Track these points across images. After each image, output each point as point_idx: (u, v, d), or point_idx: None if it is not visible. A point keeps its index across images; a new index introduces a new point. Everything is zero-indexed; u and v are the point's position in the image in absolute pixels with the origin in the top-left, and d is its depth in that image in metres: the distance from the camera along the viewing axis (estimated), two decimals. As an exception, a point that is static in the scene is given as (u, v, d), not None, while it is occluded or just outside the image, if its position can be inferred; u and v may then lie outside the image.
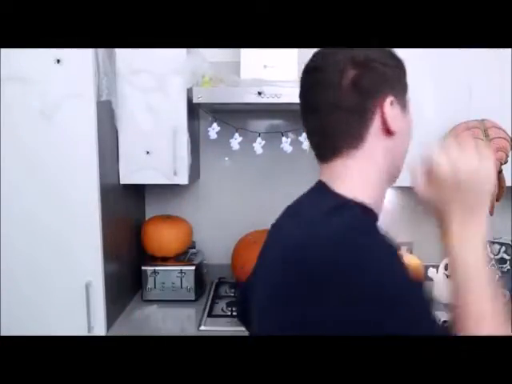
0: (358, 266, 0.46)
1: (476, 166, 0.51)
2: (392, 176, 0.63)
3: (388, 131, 0.56)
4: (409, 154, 1.25)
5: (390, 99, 0.56)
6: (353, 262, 0.47)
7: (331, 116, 0.56)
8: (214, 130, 1.42)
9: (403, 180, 1.54)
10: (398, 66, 0.62)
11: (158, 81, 1.31)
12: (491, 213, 1.43)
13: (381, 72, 0.57)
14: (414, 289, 0.53)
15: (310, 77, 0.59)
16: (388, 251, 0.53)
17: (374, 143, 0.56)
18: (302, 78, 0.61)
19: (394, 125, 0.56)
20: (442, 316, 1.39)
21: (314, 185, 0.63)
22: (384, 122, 0.55)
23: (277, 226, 0.64)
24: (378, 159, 0.57)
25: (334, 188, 0.56)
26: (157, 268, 1.49)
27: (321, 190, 0.59)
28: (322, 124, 0.58)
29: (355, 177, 0.57)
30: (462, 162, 0.51)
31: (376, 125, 0.56)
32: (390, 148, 0.58)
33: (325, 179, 0.60)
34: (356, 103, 0.55)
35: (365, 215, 0.54)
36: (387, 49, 0.63)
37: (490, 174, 0.52)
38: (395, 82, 0.60)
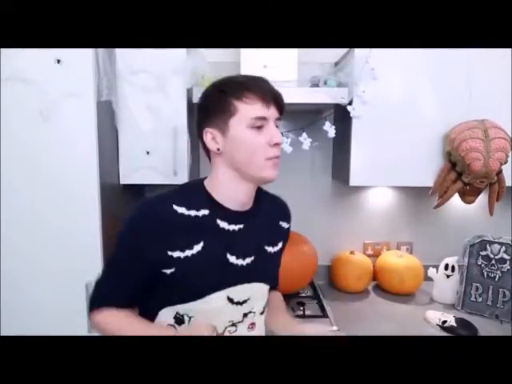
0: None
1: None
2: (247, 175, 0.80)
3: (213, 151, 0.81)
4: (409, 153, 1.25)
5: (206, 130, 0.80)
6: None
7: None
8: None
9: (403, 180, 1.54)
10: (219, 99, 0.78)
11: (158, 81, 1.31)
12: (491, 213, 1.43)
13: (203, 109, 0.82)
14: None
15: None
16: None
17: (213, 157, 0.83)
18: None
19: (211, 146, 0.80)
20: (441, 316, 1.39)
21: None
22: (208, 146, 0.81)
23: None
24: (219, 167, 0.82)
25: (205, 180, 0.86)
26: (157, 268, 1.49)
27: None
28: None
29: (210, 175, 0.85)
30: None
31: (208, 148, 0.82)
32: (225, 160, 0.80)
33: None
34: (197, 134, 0.85)
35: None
36: (220, 83, 0.81)
37: None
38: (211, 115, 0.80)
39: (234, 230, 0.83)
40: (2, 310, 1.21)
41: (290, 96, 1.31)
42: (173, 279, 0.77)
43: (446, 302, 1.49)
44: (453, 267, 1.51)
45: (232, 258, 0.82)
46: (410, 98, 1.37)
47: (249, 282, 0.84)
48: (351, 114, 1.36)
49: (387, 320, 1.37)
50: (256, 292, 0.87)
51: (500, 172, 1.33)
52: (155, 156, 1.36)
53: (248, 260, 0.84)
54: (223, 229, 0.82)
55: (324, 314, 1.38)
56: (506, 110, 1.36)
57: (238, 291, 0.83)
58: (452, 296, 1.48)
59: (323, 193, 1.75)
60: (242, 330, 0.84)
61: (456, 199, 1.44)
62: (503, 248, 1.40)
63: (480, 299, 1.42)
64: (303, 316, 1.36)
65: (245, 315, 0.85)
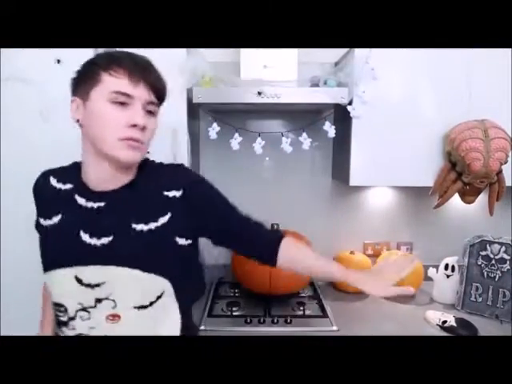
0: None
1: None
2: (101, 153, 0.78)
3: (76, 120, 0.80)
4: (409, 153, 1.25)
5: (72, 98, 0.79)
6: None
7: None
8: (213, 130, 1.42)
9: (403, 180, 1.54)
10: (89, 68, 0.77)
11: (158, 81, 1.31)
12: (491, 213, 1.43)
13: (74, 78, 0.79)
14: None
15: None
16: None
17: (81, 130, 0.81)
18: None
19: (73, 115, 0.79)
20: (441, 316, 1.39)
21: None
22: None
23: None
24: (83, 141, 0.82)
25: None
26: (157, 268, 1.49)
27: None
28: None
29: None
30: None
31: None
32: (83, 133, 0.80)
33: None
34: None
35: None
36: (103, 54, 0.78)
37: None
38: (78, 83, 0.78)
39: (92, 208, 0.80)
40: (1, 309, 1.21)
41: (290, 96, 1.32)
42: (40, 245, 0.82)
43: (446, 302, 1.49)
44: (453, 267, 1.51)
45: (85, 237, 0.78)
46: (410, 98, 1.37)
47: (103, 263, 0.77)
48: (351, 114, 1.36)
49: (387, 320, 1.36)
50: (115, 276, 0.76)
51: (500, 172, 1.33)
52: (155, 156, 1.35)
53: (104, 240, 0.78)
54: (80, 205, 0.80)
55: (324, 314, 1.38)
56: (506, 110, 1.35)
57: (88, 272, 0.76)
58: (452, 296, 1.48)
59: (323, 193, 1.75)
60: (98, 319, 0.74)
61: (456, 199, 1.44)
62: (503, 248, 1.40)
63: (480, 299, 1.42)
64: (303, 316, 1.36)
65: (98, 301, 0.76)
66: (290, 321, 1.30)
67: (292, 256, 0.94)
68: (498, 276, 1.40)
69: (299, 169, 1.73)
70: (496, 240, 1.42)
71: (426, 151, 1.39)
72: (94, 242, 0.78)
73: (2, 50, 1.11)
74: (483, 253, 1.43)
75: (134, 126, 0.75)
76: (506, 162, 1.29)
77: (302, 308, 1.39)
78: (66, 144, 1.17)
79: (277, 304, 1.43)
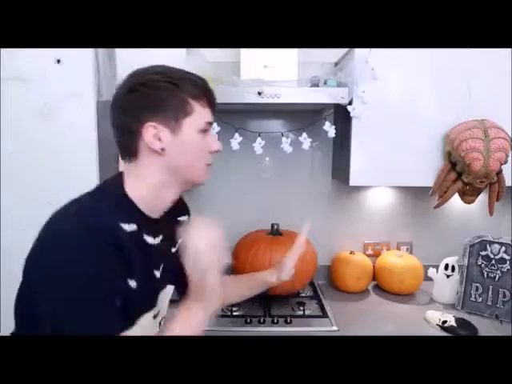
0: None
1: None
2: (186, 180, 0.75)
3: (153, 150, 0.69)
4: (409, 153, 1.25)
5: (150, 123, 0.68)
6: None
7: (114, 130, 0.73)
8: (214, 130, 1.42)
9: (403, 180, 1.54)
10: (171, 93, 0.70)
11: (158, 81, 1.31)
12: (491, 213, 1.43)
13: (144, 99, 0.69)
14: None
15: (114, 95, 0.74)
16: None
17: (147, 157, 0.70)
18: None
19: (155, 145, 0.69)
20: (441, 316, 1.39)
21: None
22: (148, 144, 0.69)
23: None
24: (153, 169, 0.71)
25: (123, 183, 0.72)
26: (157, 268, 1.49)
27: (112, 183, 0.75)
28: (114, 135, 0.74)
29: (132, 178, 0.72)
30: None
31: (144, 143, 0.69)
32: (165, 162, 0.71)
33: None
34: (124, 125, 0.70)
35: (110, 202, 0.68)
36: (169, 74, 0.71)
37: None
38: (160, 108, 0.69)
39: (158, 244, 0.75)
40: (1, 309, 1.21)
41: (290, 96, 1.32)
42: (113, 303, 0.63)
43: (446, 302, 1.49)
44: (453, 267, 1.51)
45: (157, 273, 0.76)
46: (410, 98, 1.37)
47: (162, 289, 0.79)
48: (351, 114, 1.36)
49: (387, 320, 1.37)
50: (165, 296, 0.81)
51: (500, 172, 1.33)
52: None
53: (160, 268, 0.77)
54: (150, 245, 0.73)
55: (324, 314, 1.38)
56: (506, 110, 1.35)
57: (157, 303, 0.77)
58: (452, 296, 1.48)
59: (323, 193, 1.75)
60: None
61: (456, 199, 1.44)
62: (503, 248, 1.40)
63: (480, 299, 1.42)
64: (303, 316, 1.36)
65: (159, 324, 0.81)
66: (290, 321, 1.30)
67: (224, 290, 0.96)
68: (498, 276, 1.40)
69: (299, 169, 1.73)
70: (496, 240, 1.42)
71: (426, 151, 1.39)
72: (158, 274, 0.76)
73: (2, 50, 1.12)
74: (483, 253, 1.43)
75: (217, 151, 0.77)
76: (506, 162, 1.29)
77: (301, 308, 1.39)
78: (66, 144, 1.17)
79: (277, 304, 1.43)
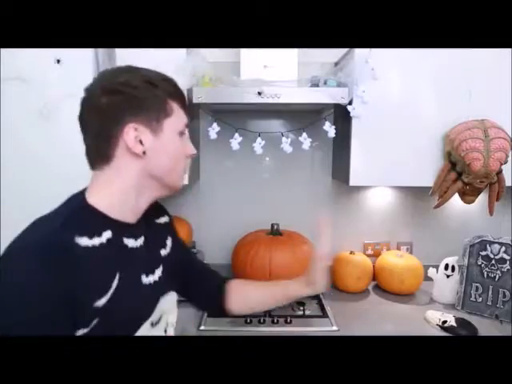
0: None
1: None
2: (164, 185, 0.71)
3: (133, 153, 0.65)
4: (409, 153, 1.26)
5: (132, 125, 0.64)
6: None
7: (86, 136, 0.68)
8: (213, 130, 1.42)
9: (403, 180, 1.54)
10: (152, 93, 0.66)
11: (158, 81, 1.31)
12: (491, 213, 1.43)
13: (124, 100, 0.64)
14: None
15: (82, 99, 0.69)
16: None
17: (122, 161, 0.65)
18: None
19: (137, 148, 0.64)
20: (441, 316, 1.39)
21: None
22: (127, 146, 0.64)
23: None
24: (129, 174, 0.66)
25: (86, 194, 0.67)
26: (157, 268, 1.49)
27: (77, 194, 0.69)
28: (85, 141, 0.69)
29: (101, 186, 0.67)
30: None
31: (122, 146, 0.65)
32: (144, 166, 0.67)
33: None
34: (101, 128, 0.65)
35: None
36: (147, 75, 0.68)
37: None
38: (141, 109, 0.65)
39: (141, 246, 0.71)
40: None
41: (290, 96, 1.32)
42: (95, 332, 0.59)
43: (446, 302, 1.49)
44: (453, 267, 1.51)
45: (144, 279, 0.71)
46: (410, 98, 1.37)
47: (162, 296, 0.76)
48: (351, 114, 1.36)
49: (387, 320, 1.37)
50: (168, 303, 0.78)
51: (500, 172, 1.33)
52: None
53: (158, 272, 0.74)
54: (132, 248, 0.68)
55: (324, 314, 1.38)
56: (506, 110, 1.35)
57: (155, 310, 0.73)
58: (452, 296, 1.48)
59: (323, 193, 1.75)
60: None
61: (456, 199, 1.44)
62: (503, 248, 1.40)
63: (480, 299, 1.42)
64: (303, 316, 1.36)
65: (165, 332, 0.77)
66: (290, 321, 1.31)
67: (243, 295, 0.93)
68: (498, 276, 1.40)
69: (299, 169, 1.73)
70: (496, 240, 1.42)
71: (426, 151, 1.39)
72: (151, 279, 0.72)
73: (2, 50, 1.12)
74: (483, 253, 1.43)
75: (192, 155, 0.74)
76: (506, 162, 1.29)
77: (301, 308, 1.39)
78: (66, 144, 1.17)
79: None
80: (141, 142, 0.65)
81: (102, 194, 0.66)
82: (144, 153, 0.65)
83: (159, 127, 0.67)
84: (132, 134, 0.64)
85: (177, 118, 0.69)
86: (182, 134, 0.71)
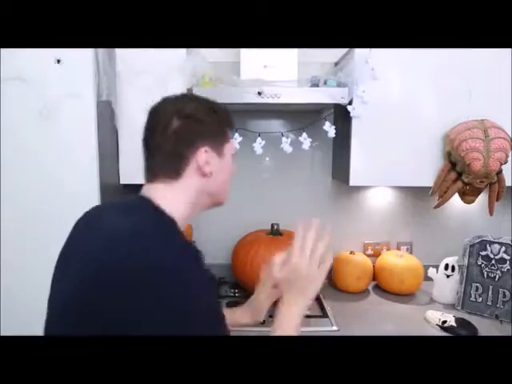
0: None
1: (310, 273, 0.76)
2: (215, 201, 0.78)
3: (202, 173, 0.72)
4: (409, 153, 1.26)
5: (203, 148, 0.71)
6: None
7: (154, 154, 0.74)
8: (213, 130, 1.42)
9: (403, 180, 1.54)
10: (217, 120, 0.75)
11: (158, 81, 1.31)
12: (491, 213, 1.43)
13: (197, 125, 0.72)
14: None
15: (149, 118, 0.76)
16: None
17: (190, 179, 0.72)
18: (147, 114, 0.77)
19: (206, 169, 0.71)
20: (441, 316, 1.39)
21: (135, 199, 0.74)
22: (198, 166, 0.71)
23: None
24: (193, 191, 0.72)
25: (158, 204, 0.69)
26: (157, 268, 1.49)
27: (136, 204, 0.72)
28: (151, 158, 0.75)
29: (170, 196, 0.71)
30: (304, 267, 0.76)
31: (193, 166, 0.71)
32: (205, 185, 0.73)
33: (147, 195, 0.72)
34: (175, 148, 0.71)
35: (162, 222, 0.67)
36: (210, 103, 0.77)
37: (319, 281, 0.78)
38: (211, 134, 0.73)
39: None
40: (1, 309, 1.21)
41: (290, 96, 1.32)
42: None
43: (446, 302, 1.49)
44: (453, 267, 1.51)
45: None
46: (410, 98, 1.37)
47: None
48: (351, 114, 1.36)
49: (387, 320, 1.36)
50: None
51: (500, 172, 1.33)
52: (155, 156, 1.36)
53: None
54: None
55: (324, 314, 1.38)
56: (506, 110, 1.35)
57: None
58: (452, 296, 1.48)
59: (323, 193, 1.75)
60: None
61: (456, 199, 1.44)
62: (503, 248, 1.40)
63: (480, 299, 1.42)
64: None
65: None
66: (290, 321, 1.30)
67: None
68: (498, 276, 1.40)
69: (299, 169, 1.73)
70: (496, 240, 1.42)
71: (426, 151, 1.39)
72: None
73: (2, 49, 1.11)
74: (483, 253, 1.43)
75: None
76: (506, 162, 1.29)
77: (301, 308, 1.39)
78: (66, 144, 1.17)
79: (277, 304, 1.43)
80: (208, 163, 0.72)
81: (172, 208, 0.69)
82: (211, 173, 0.72)
83: (222, 151, 0.75)
84: (203, 156, 0.71)
85: (231, 143, 0.78)
86: (233, 156, 0.79)
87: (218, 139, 0.74)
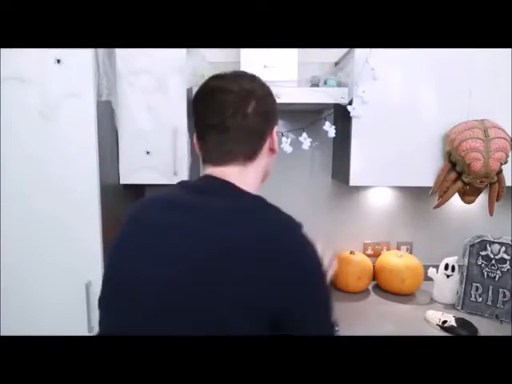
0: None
1: None
2: (265, 179, 0.79)
3: (272, 151, 0.74)
4: (409, 153, 1.25)
5: (276, 127, 0.74)
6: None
7: (235, 134, 0.68)
8: (214, 130, 1.42)
9: (403, 180, 1.54)
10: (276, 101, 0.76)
11: (158, 81, 1.31)
12: (491, 213, 1.43)
13: (273, 104, 0.74)
14: None
15: (214, 98, 0.69)
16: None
17: (262, 158, 0.72)
18: (204, 95, 0.71)
19: (276, 146, 0.75)
20: (441, 316, 1.39)
21: (208, 180, 0.70)
22: (272, 144, 0.73)
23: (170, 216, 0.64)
24: (261, 171, 0.74)
25: (239, 186, 0.67)
26: (157, 268, 1.49)
27: (224, 186, 0.67)
28: (228, 140, 0.69)
29: (248, 180, 0.70)
30: None
31: (266, 145, 0.72)
32: (269, 163, 0.77)
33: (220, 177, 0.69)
34: (257, 127, 0.70)
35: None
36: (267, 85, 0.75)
37: None
38: (277, 113, 0.75)
39: None
40: (2, 309, 1.21)
41: (290, 96, 1.32)
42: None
43: (446, 302, 1.49)
44: (453, 267, 1.51)
45: None
46: (410, 98, 1.37)
47: None
48: (351, 114, 1.36)
49: (387, 320, 1.37)
50: None
51: (500, 172, 1.33)
52: (155, 156, 1.36)
53: None
54: None
55: (324, 314, 1.37)
56: (506, 110, 1.36)
57: None
58: (452, 296, 1.48)
59: (323, 193, 1.75)
60: None
61: (456, 199, 1.44)
62: (503, 248, 1.40)
63: (480, 299, 1.42)
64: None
65: None
66: (290, 321, 1.30)
67: None
68: (498, 276, 1.40)
69: (299, 169, 1.73)
70: (496, 240, 1.42)
71: (426, 151, 1.39)
72: None
73: (2, 49, 1.11)
74: (483, 253, 1.43)
75: None
76: (506, 162, 1.29)
77: (302, 308, 1.39)
78: (66, 144, 1.17)
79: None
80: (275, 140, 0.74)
81: (252, 189, 0.69)
82: (275, 151, 0.75)
83: (276, 130, 0.75)
84: (275, 133, 0.73)
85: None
86: None
87: (276, 120, 0.76)
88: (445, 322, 1.28)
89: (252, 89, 0.69)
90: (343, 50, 1.51)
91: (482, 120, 1.31)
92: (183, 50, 1.30)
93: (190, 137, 1.37)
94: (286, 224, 0.63)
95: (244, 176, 0.69)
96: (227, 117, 0.67)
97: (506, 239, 1.40)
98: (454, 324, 1.27)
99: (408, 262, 1.57)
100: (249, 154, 0.70)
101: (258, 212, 0.62)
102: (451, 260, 1.52)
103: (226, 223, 0.58)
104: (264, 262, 0.55)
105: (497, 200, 1.40)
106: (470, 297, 1.43)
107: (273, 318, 0.54)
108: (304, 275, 0.57)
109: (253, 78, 0.73)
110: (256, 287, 0.54)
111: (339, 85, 1.37)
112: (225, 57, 1.53)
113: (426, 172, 1.40)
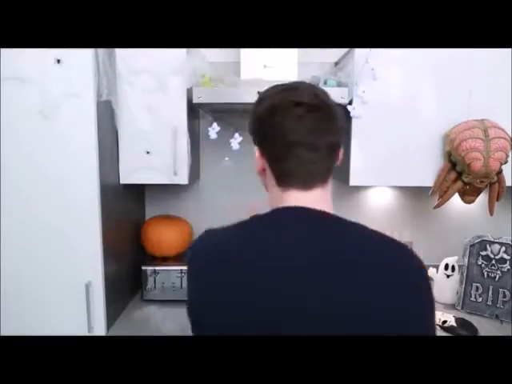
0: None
1: None
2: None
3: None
4: (409, 152, 1.25)
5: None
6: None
7: (325, 151, 0.61)
8: (213, 129, 1.42)
9: (403, 180, 1.53)
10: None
11: (158, 81, 1.31)
12: (491, 213, 1.43)
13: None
14: None
15: (310, 115, 0.60)
16: None
17: (331, 177, 0.64)
18: (285, 109, 0.61)
19: (340, 163, 0.66)
20: (441, 316, 1.39)
21: (300, 213, 0.61)
22: (339, 162, 0.65)
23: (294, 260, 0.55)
24: (330, 189, 0.65)
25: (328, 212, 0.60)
26: (157, 268, 1.49)
27: (327, 218, 0.60)
28: (318, 157, 0.61)
29: (329, 205, 0.63)
30: None
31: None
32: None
33: (306, 205, 0.61)
34: (338, 144, 0.63)
35: None
36: None
37: None
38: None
39: None
40: (2, 309, 1.21)
41: (290, 96, 1.32)
42: None
43: (446, 302, 1.49)
44: (453, 267, 1.51)
45: None
46: (410, 98, 1.37)
47: None
48: (351, 114, 1.36)
49: (387, 320, 1.36)
50: None
51: (500, 172, 1.33)
52: (155, 156, 1.36)
53: None
54: None
55: (324, 314, 1.37)
56: (506, 110, 1.35)
57: None
58: (452, 296, 1.48)
59: (323, 193, 1.74)
60: None
61: (456, 199, 1.44)
62: (503, 248, 1.40)
63: (480, 299, 1.42)
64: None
65: None
66: (290, 321, 1.30)
67: None
68: (498, 276, 1.40)
69: (299, 169, 1.73)
70: (496, 240, 1.42)
71: (426, 151, 1.39)
72: None
73: (2, 50, 1.12)
74: (483, 253, 1.43)
75: None
76: (506, 162, 1.29)
77: (302, 308, 1.39)
78: (67, 144, 1.17)
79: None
80: None
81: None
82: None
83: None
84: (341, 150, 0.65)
85: None
86: None
87: None
88: (445, 321, 1.28)
89: (332, 103, 0.63)
90: (343, 50, 1.51)
91: (482, 120, 1.31)
92: (183, 50, 1.30)
93: (190, 137, 1.37)
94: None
95: (326, 202, 0.63)
96: (320, 133, 0.60)
97: (506, 239, 1.40)
98: (454, 324, 1.27)
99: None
100: (327, 174, 0.63)
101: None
102: (451, 260, 1.52)
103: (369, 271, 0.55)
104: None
105: (497, 200, 1.40)
106: (470, 297, 1.43)
107: None
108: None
109: (323, 91, 0.65)
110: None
111: (339, 85, 1.37)
112: (225, 57, 1.53)
113: (426, 172, 1.40)
